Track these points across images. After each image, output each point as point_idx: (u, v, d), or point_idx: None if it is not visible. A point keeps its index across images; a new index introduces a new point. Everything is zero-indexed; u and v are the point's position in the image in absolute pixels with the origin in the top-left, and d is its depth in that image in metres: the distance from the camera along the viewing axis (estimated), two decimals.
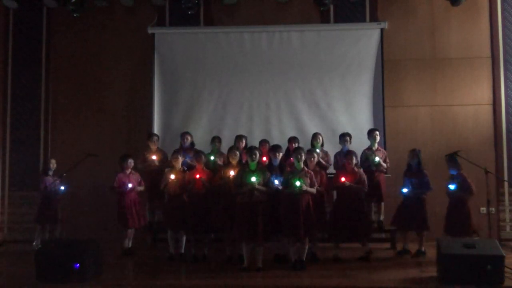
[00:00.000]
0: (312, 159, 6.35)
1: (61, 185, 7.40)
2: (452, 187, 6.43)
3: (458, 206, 6.47)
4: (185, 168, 6.79)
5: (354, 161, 6.53)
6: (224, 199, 6.33)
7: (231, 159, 6.37)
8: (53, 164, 7.63)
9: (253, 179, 5.85)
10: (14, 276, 5.88)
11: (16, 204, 8.38)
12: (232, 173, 6.21)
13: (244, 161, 6.38)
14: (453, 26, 8.34)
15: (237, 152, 6.41)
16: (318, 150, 6.83)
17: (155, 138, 7.57)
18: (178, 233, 6.65)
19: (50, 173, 7.57)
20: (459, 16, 8.31)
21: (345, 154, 6.70)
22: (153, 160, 7.23)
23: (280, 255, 6.38)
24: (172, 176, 6.52)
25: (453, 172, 6.55)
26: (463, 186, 6.42)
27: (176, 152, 6.84)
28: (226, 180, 6.28)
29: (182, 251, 6.64)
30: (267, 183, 5.96)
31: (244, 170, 6.05)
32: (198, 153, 6.66)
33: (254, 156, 6.00)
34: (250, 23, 8.42)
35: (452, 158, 6.67)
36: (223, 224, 6.32)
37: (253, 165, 6.02)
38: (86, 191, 8.12)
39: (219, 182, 6.38)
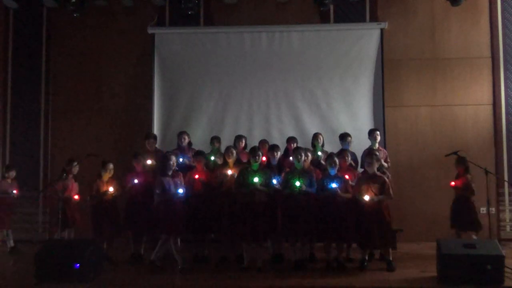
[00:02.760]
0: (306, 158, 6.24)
1: (180, 188, 6.14)
2: (334, 185, 5.92)
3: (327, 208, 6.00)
4: (177, 169, 6.65)
5: (349, 159, 6.46)
6: (224, 199, 6.32)
7: (227, 158, 6.36)
8: (173, 162, 6.32)
9: (256, 179, 5.85)
10: (14, 276, 5.88)
11: (16, 204, 8.34)
12: (229, 172, 6.20)
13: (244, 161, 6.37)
14: (453, 26, 8.34)
15: (234, 151, 6.40)
16: (320, 153, 6.81)
17: (152, 139, 7.32)
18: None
19: (169, 173, 6.27)
20: (459, 16, 8.30)
21: (338, 153, 6.55)
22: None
23: (279, 255, 6.37)
24: None
25: (332, 173, 6.09)
26: (345, 186, 6.03)
27: (168, 153, 6.61)
28: (223, 179, 6.27)
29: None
30: (268, 184, 5.96)
31: (246, 170, 6.05)
32: (198, 154, 6.59)
33: (257, 157, 6.00)
34: (250, 23, 8.42)
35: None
36: (223, 224, 6.30)
37: (256, 166, 6.02)
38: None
39: (215, 181, 6.34)
